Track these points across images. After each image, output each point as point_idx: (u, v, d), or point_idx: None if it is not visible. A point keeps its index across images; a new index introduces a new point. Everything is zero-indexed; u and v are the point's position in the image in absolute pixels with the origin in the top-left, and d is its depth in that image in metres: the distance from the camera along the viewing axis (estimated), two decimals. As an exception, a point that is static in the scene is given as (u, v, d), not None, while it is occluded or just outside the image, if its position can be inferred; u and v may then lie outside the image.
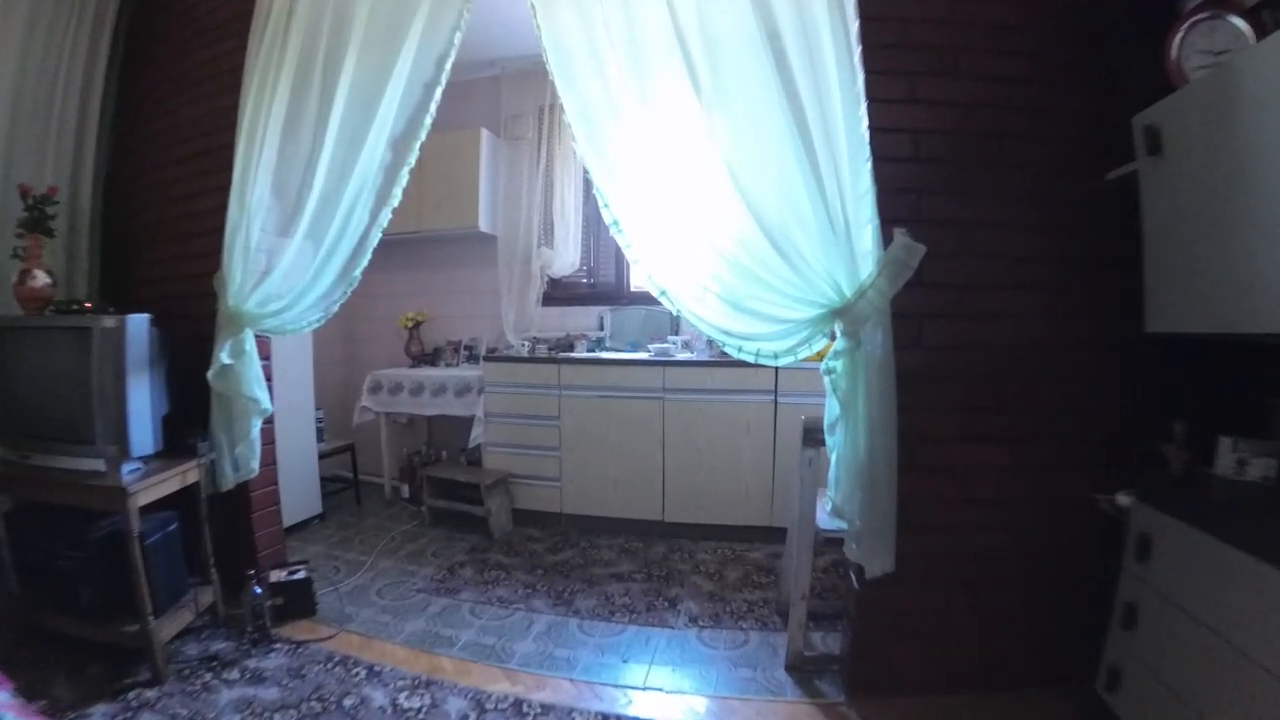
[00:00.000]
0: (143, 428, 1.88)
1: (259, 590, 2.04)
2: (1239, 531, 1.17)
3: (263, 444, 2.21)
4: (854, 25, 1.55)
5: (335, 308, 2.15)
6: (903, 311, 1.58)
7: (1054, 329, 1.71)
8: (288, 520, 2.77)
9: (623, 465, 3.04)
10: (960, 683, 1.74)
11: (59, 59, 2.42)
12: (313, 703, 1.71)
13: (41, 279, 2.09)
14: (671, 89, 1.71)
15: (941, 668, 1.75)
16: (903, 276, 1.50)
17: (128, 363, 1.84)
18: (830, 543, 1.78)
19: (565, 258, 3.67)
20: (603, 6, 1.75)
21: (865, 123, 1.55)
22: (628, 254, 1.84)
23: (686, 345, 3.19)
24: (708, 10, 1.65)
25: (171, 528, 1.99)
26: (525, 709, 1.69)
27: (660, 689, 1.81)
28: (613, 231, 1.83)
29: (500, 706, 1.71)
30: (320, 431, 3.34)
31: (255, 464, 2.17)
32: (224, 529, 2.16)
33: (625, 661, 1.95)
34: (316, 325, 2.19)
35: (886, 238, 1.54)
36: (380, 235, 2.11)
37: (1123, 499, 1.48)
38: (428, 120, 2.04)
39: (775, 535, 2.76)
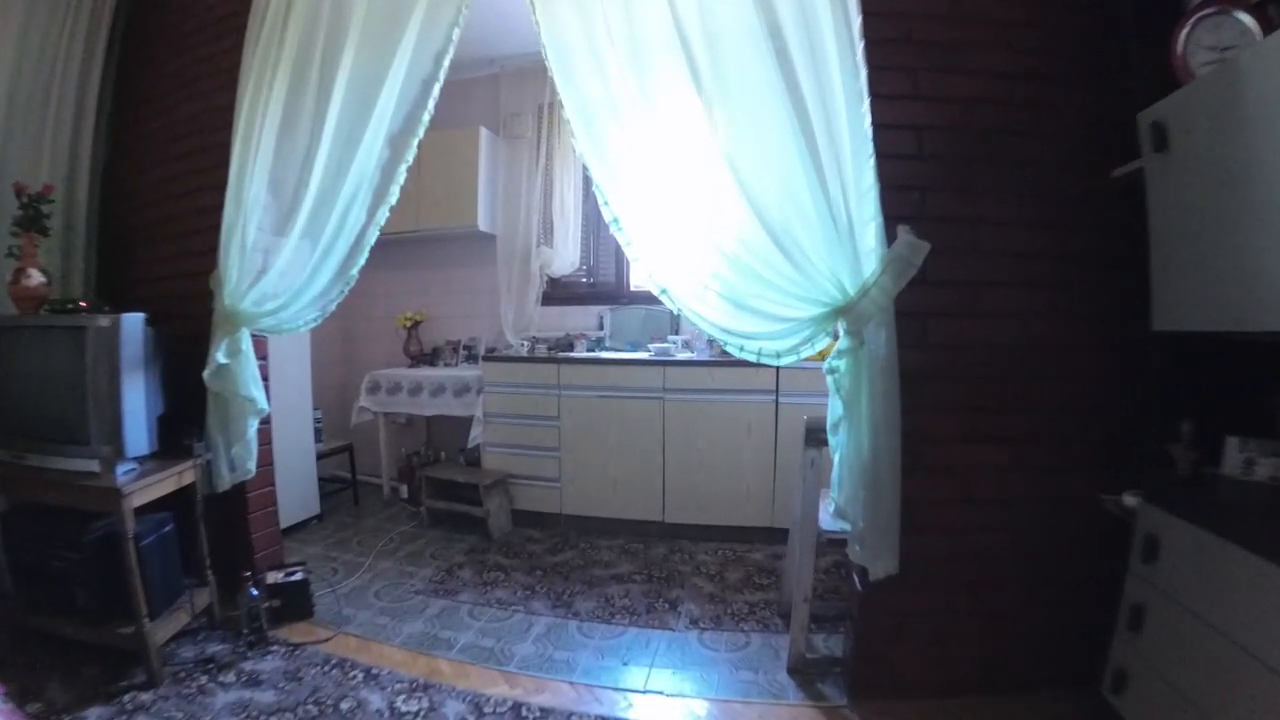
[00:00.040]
0: (137, 428, 1.86)
1: (255, 592, 2.02)
2: (1247, 532, 1.15)
3: (259, 444, 2.19)
4: (856, 20, 1.54)
5: (332, 307, 2.14)
6: (906, 310, 1.57)
7: (1056, 328, 1.70)
8: (285, 521, 2.76)
9: (623, 466, 3.02)
10: (962, 685, 1.72)
11: (55, 56, 2.41)
12: (309, 706, 1.70)
13: (36, 278, 2.07)
14: (672, 85, 1.70)
15: (944, 670, 1.74)
16: (907, 274, 1.49)
17: (122, 362, 1.82)
18: (832, 544, 1.77)
19: (565, 257, 3.66)
20: (602, 2, 1.73)
21: (868, 119, 1.53)
22: (627, 252, 1.83)
23: (687, 345, 3.17)
24: (709, 5, 1.64)
25: (167, 529, 1.97)
26: (524, 712, 1.67)
27: (661, 692, 1.79)
28: (612, 229, 1.81)
29: (499, 710, 1.69)
30: (318, 432, 3.32)
31: (252, 465, 2.15)
32: (220, 530, 2.14)
33: (625, 664, 1.93)
34: (313, 324, 2.18)
35: (890, 235, 1.52)
36: (378, 234, 2.09)
37: (1129, 500, 1.46)
38: (425, 117, 2.02)
39: (776, 536, 2.75)
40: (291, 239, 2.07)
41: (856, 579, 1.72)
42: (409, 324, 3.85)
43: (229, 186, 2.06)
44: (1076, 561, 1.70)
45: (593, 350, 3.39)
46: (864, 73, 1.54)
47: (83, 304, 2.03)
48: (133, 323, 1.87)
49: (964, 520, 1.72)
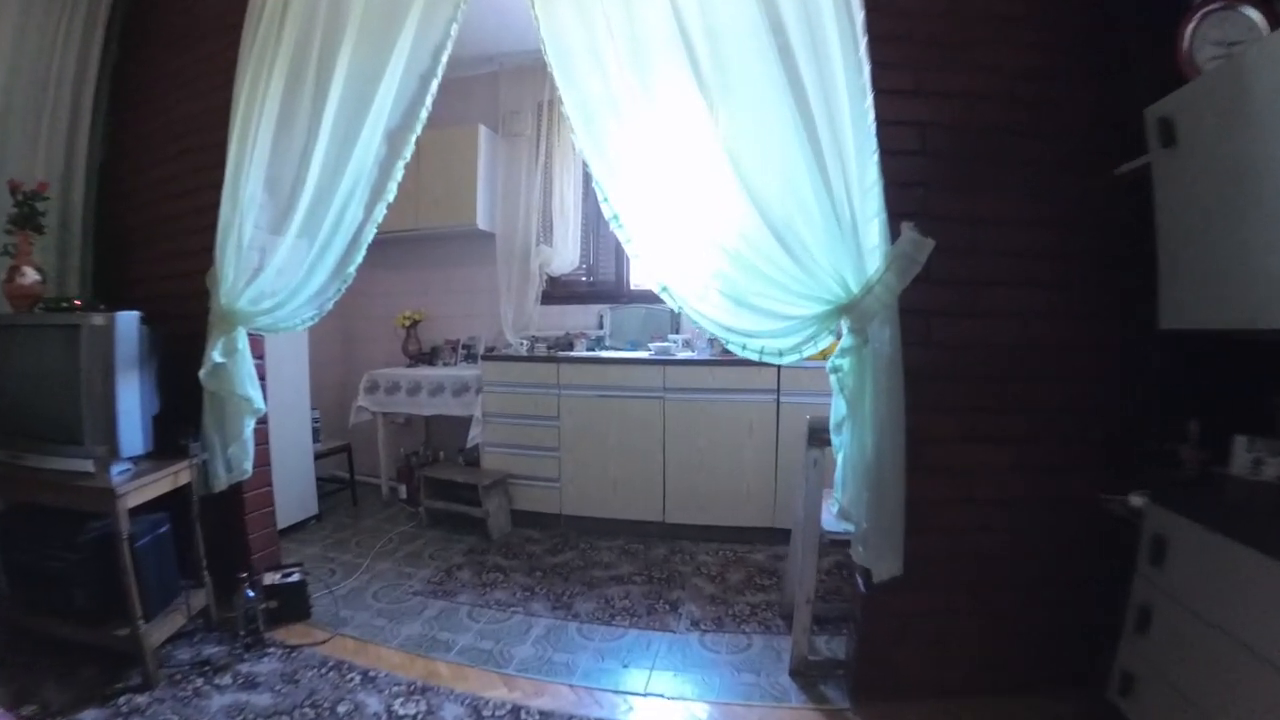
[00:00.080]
0: (132, 428, 1.84)
1: (252, 593, 2.00)
2: (1257, 533, 1.13)
3: (256, 444, 2.17)
4: (859, 16, 1.52)
5: (329, 305, 2.13)
6: (910, 308, 1.55)
7: (1056, 327, 1.69)
8: (283, 521, 2.74)
9: (623, 466, 3.00)
10: (965, 687, 1.71)
11: (51, 55, 2.39)
12: (306, 709, 1.68)
13: (31, 276, 2.06)
14: (673, 81, 1.68)
15: (946, 672, 1.73)
16: (911, 272, 1.47)
17: (117, 361, 1.80)
18: (835, 544, 1.75)
19: (564, 255, 3.64)
20: (602, -1, 1.72)
21: (871, 115, 1.51)
22: (628, 249, 1.81)
23: (687, 344, 3.16)
24: (710, 1, 1.62)
25: (163, 530, 1.96)
26: (523, 716, 1.66)
27: (661, 695, 1.78)
28: (612, 226, 1.80)
29: (498, 713, 1.67)
30: (316, 431, 3.30)
31: (248, 465, 2.14)
32: (217, 531, 2.12)
33: (626, 666, 1.92)
34: (310, 323, 2.16)
35: (893, 232, 1.51)
36: (375, 231, 2.08)
37: (1136, 500, 1.45)
38: (424, 113, 2.01)
39: (778, 537, 2.73)
40: (288, 237, 2.06)
41: (860, 580, 1.70)
42: (408, 323, 3.83)
43: (225, 185, 2.05)
44: (1077, 562, 1.69)
45: (593, 349, 3.38)
46: (867, 68, 1.52)
47: (77, 302, 2.02)
48: (127, 321, 1.85)
49: (964, 520, 1.71)
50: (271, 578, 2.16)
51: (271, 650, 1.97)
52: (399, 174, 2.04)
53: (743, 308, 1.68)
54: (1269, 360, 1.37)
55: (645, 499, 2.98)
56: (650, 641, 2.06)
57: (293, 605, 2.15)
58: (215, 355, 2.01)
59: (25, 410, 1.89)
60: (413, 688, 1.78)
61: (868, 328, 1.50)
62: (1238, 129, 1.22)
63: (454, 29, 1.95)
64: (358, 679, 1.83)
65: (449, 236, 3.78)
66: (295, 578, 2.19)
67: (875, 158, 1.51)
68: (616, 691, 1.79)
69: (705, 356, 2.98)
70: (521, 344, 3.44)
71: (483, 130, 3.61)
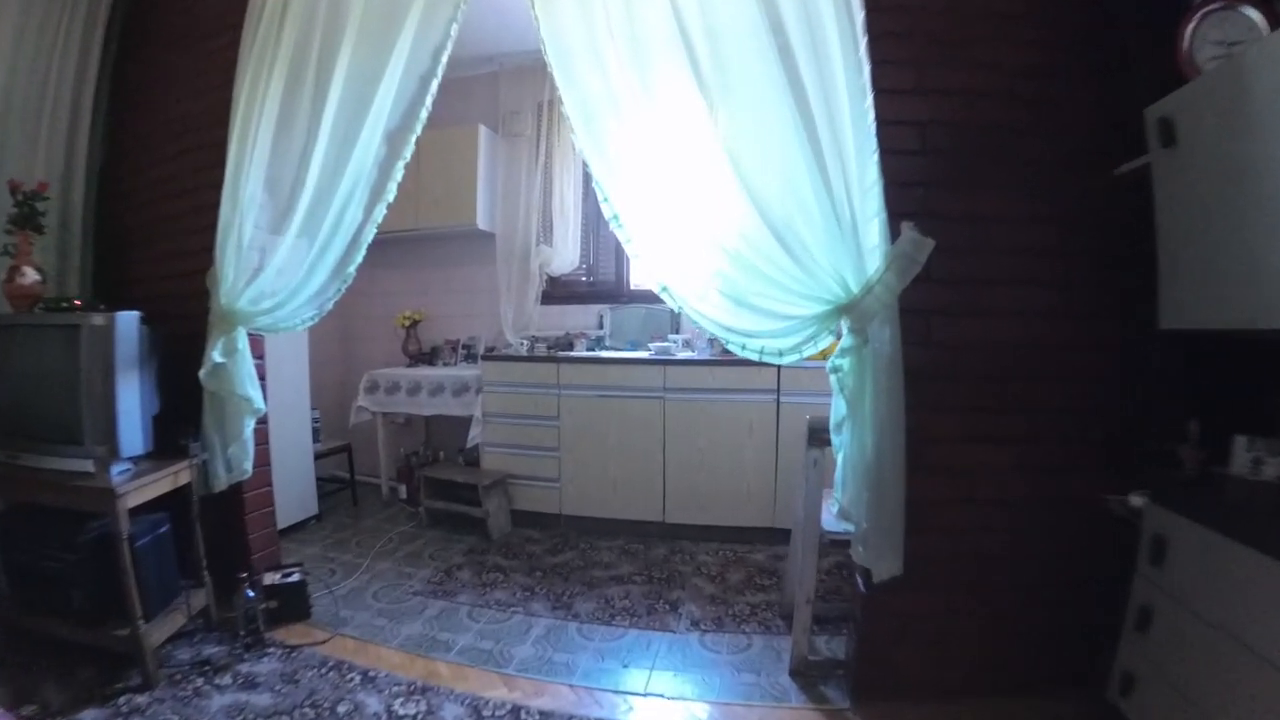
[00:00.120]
0: (132, 427, 1.84)
1: (252, 593, 2.00)
2: (1257, 533, 1.13)
3: (256, 444, 2.17)
4: (859, 15, 1.52)
5: (329, 305, 2.13)
6: (910, 307, 1.55)
7: (1057, 327, 1.69)
8: (283, 521, 2.74)
9: (623, 466, 3.00)
10: (965, 687, 1.71)
11: (51, 55, 2.39)
12: (306, 709, 1.68)
13: (30, 276, 2.06)
14: (673, 81, 1.68)
15: (946, 672, 1.73)
16: (911, 271, 1.47)
17: (117, 361, 1.80)
18: (835, 544, 1.75)
19: (564, 255, 3.64)
20: (603, -3, 1.72)
21: (871, 114, 1.51)
22: (628, 249, 1.81)
23: (687, 344, 3.16)
24: (710, 1, 1.62)
25: (163, 530, 1.96)
26: (523, 716, 1.66)
27: (662, 695, 1.77)
28: (612, 226, 1.80)
29: (498, 713, 1.67)
30: (316, 431, 3.30)
31: (248, 465, 2.14)
32: (217, 531, 2.12)
33: (626, 666, 1.92)
34: (310, 323, 2.16)
35: (894, 232, 1.50)
36: (375, 231, 2.08)
37: (1136, 500, 1.45)
38: (423, 113, 2.01)
39: (778, 536, 2.73)
40: (288, 237, 2.06)
41: (860, 580, 1.70)
42: (408, 323, 3.83)
43: (225, 185, 2.05)
44: (1077, 562, 1.69)
45: (593, 349, 3.38)
46: (867, 68, 1.52)
47: (77, 302, 2.02)
48: (127, 321, 1.85)
49: (965, 520, 1.70)
50: (271, 578, 2.16)
51: (271, 650, 1.97)
52: (399, 174, 2.04)
53: (743, 307, 1.68)
54: (1269, 360, 1.37)
55: (645, 499, 2.98)
56: (650, 641, 2.06)
57: (293, 605, 2.15)
58: (215, 355, 2.01)
59: (25, 410, 1.89)
60: (413, 688, 1.78)
61: (868, 327, 1.50)
62: (1238, 129, 1.22)
63: (454, 29, 1.95)
64: (358, 679, 1.82)
65: (449, 236, 3.77)
66: (295, 578, 2.19)
67: (875, 157, 1.51)
68: (616, 691, 1.79)
69: (705, 356, 2.98)
70: (521, 344, 3.44)
71: (483, 130, 3.61)
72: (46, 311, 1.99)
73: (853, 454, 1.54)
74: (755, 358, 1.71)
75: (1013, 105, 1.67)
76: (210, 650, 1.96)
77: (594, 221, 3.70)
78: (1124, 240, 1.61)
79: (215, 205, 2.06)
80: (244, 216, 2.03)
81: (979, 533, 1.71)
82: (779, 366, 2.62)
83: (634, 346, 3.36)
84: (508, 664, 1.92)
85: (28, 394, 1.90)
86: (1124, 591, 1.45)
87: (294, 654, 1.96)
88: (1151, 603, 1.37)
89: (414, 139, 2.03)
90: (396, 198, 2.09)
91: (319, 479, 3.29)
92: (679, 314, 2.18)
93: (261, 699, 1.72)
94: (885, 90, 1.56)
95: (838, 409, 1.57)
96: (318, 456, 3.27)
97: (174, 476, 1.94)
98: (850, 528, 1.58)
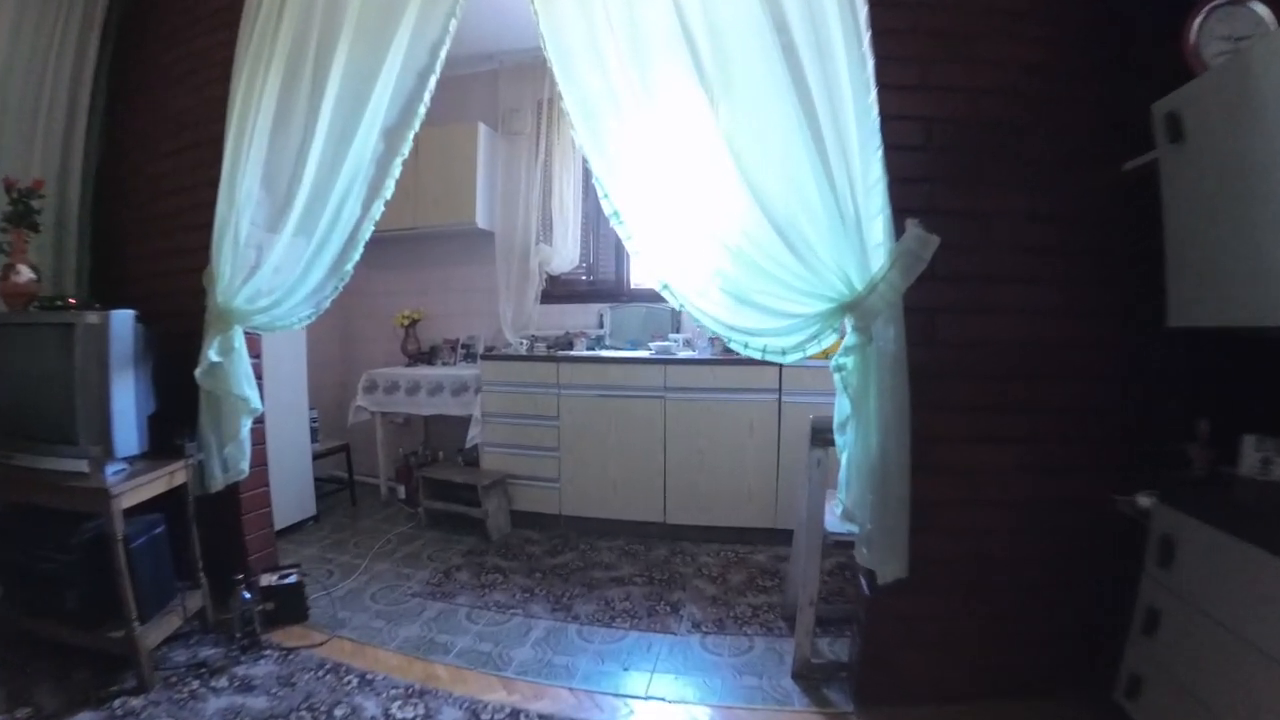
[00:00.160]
0: (127, 427, 1.82)
1: (249, 595, 1.98)
2: (1266, 533, 1.12)
3: (253, 444, 2.16)
4: (863, 10, 1.50)
5: (327, 303, 2.11)
6: (914, 305, 1.53)
7: (1063, 325, 1.67)
8: (281, 522, 2.72)
9: (623, 466, 2.99)
10: (969, 690, 1.69)
11: (47, 52, 2.38)
12: (302, 712, 1.66)
13: (25, 274, 2.04)
14: (674, 77, 1.66)
15: (950, 675, 1.71)
16: (916, 269, 1.45)
17: (112, 360, 1.78)
18: (838, 545, 1.73)
19: (564, 254, 3.62)
20: (603, -6, 1.70)
21: (875, 110, 1.49)
22: (628, 246, 1.79)
23: (688, 343, 3.14)
24: (712, -1, 1.60)
25: (158, 530, 1.94)
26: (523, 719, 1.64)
27: (663, 698, 1.76)
28: (613, 223, 1.78)
29: (497, 717, 1.65)
30: (314, 431, 3.28)
31: (245, 465, 2.12)
32: (213, 531, 2.10)
33: (626, 669, 1.90)
34: (308, 321, 2.15)
35: (898, 229, 1.48)
36: (373, 228, 2.07)
37: (1144, 500, 1.43)
38: (421, 110, 2.00)
39: (779, 537, 2.72)
40: (285, 235, 2.04)
41: (863, 582, 1.69)
42: (407, 322, 3.82)
43: (222, 182, 2.03)
44: (1082, 563, 1.67)
45: (592, 349, 3.36)
46: (871, 63, 1.50)
47: (72, 301, 2.00)
48: (122, 320, 1.83)
49: (969, 521, 1.69)
50: (268, 579, 2.14)
51: (268, 652, 1.95)
52: (396, 171, 2.03)
53: (745, 305, 1.67)
54: (1278, 358, 1.36)
55: (646, 499, 2.97)
56: (651, 644, 2.04)
57: (290, 607, 2.13)
58: (211, 354, 1.99)
59: (19, 409, 1.88)
60: (411, 690, 1.76)
61: (872, 326, 1.48)
62: (1245, 125, 1.21)
63: (452, 25, 1.94)
64: (355, 681, 1.81)
65: (448, 235, 3.76)
66: (292, 579, 2.17)
67: (879, 154, 1.50)
68: (617, 694, 1.77)
69: (706, 355, 2.96)
70: (521, 343, 3.43)
71: (482, 128, 3.59)
72: (41, 310, 1.97)
73: (857, 454, 1.52)
74: (757, 356, 1.69)
75: (1016, 102, 1.66)
76: (206, 652, 1.94)
77: (594, 220, 3.69)
78: (1127, 238, 1.60)
79: (211, 203, 2.04)
80: (240, 214, 2.01)
81: (981, 533, 1.69)
82: (781, 365, 2.61)
83: (634, 346, 3.35)
84: (507, 666, 1.91)
85: (22, 393, 1.88)
86: (1127, 592, 1.44)
87: (291, 656, 1.94)
88: (1159, 604, 1.35)
89: (412, 135, 2.01)
90: (395, 196, 2.08)
91: (317, 479, 3.27)
92: (680, 312, 2.17)
93: (258, 702, 1.70)
94: (889, 86, 1.55)
95: (841, 408, 1.55)
96: (316, 457, 3.25)
97: (169, 477, 1.92)
98: (854, 529, 1.57)
